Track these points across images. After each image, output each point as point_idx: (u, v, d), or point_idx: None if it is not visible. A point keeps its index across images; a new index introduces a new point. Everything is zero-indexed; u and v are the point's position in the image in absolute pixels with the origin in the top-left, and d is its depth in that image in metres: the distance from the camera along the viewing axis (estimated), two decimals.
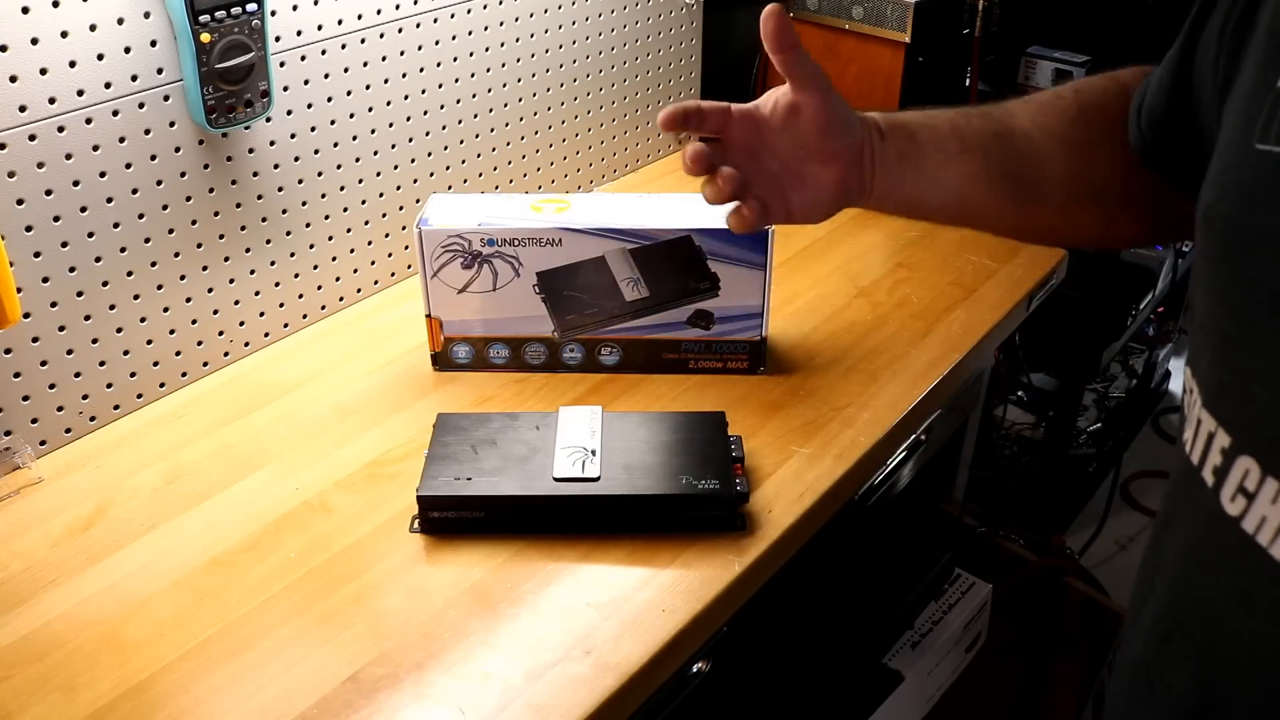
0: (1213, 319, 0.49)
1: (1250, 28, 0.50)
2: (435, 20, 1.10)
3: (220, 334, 1.02)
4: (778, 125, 0.74)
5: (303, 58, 1.00)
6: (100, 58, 0.85)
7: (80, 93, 0.85)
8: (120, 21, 0.85)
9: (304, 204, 1.05)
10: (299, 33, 0.99)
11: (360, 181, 1.09)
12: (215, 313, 1.01)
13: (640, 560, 0.80)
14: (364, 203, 1.11)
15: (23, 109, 0.82)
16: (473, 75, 1.17)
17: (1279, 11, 0.47)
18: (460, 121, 1.18)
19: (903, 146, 0.74)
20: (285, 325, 1.08)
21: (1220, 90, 0.53)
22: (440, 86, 1.14)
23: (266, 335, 1.06)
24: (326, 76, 1.02)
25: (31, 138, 0.83)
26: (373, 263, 1.14)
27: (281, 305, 1.07)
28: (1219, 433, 0.47)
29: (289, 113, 1.00)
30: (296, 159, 1.03)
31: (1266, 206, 0.45)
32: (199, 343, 1.01)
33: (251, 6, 0.89)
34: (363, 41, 1.04)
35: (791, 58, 0.71)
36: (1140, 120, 0.66)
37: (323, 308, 1.11)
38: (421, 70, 1.11)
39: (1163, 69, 0.62)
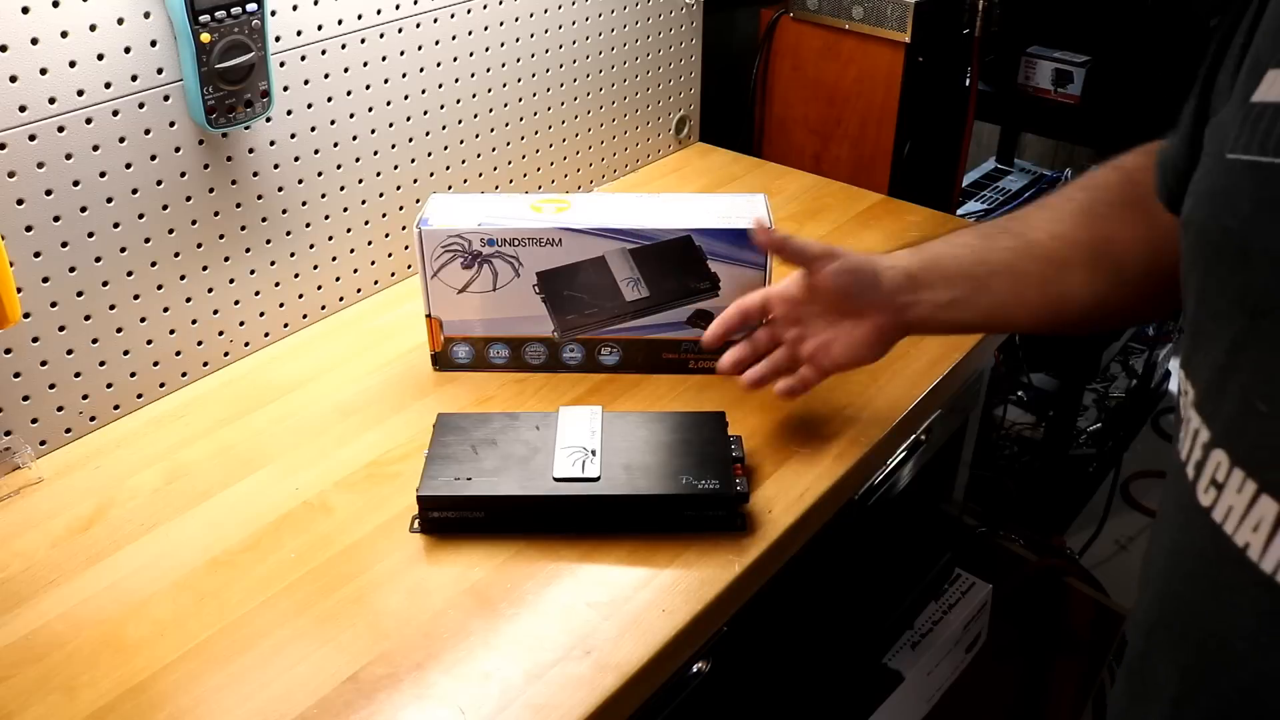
0: (1195, 321, 0.52)
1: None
2: (435, 20, 1.10)
3: (220, 334, 1.02)
4: (805, 299, 0.86)
5: (303, 58, 1.00)
6: (100, 58, 0.85)
7: (80, 93, 0.85)
8: (120, 21, 0.85)
9: (304, 204, 1.05)
10: (299, 33, 0.99)
11: (360, 181, 1.09)
12: (215, 313, 1.01)
13: (640, 560, 0.80)
14: (364, 203, 1.11)
15: (23, 109, 0.82)
16: (473, 75, 1.17)
17: (1267, 38, 0.50)
18: (460, 121, 1.18)
19: (936, 290, 0.81)
20: (285, 325, 1.08)
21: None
22: (440, 86, 1.14)
23: (266, 335, 1.06)
24: (326, 76, 1.02)
25: (31, 138, 0.83)
26: (373, 263, 1.14)
27: (281, 305, 1.07)
28: (1202, 429, 0.50)
29: (289, 113, 1.00)
30: (296, 159, 1.03)
31: (1229, 210, 0.48)
32: (199, 343, 1.01)
33: (251, 6, 0.89)
34: (363, 41, 1.04)
35: (789, 255, 0.85)
36: (1166, 174, 0.67)
37: (323, 308, 1.11)
38: (421, 70, 1.11)
39: (1183, 120, 0.63)
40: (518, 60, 1.21)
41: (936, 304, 0.81)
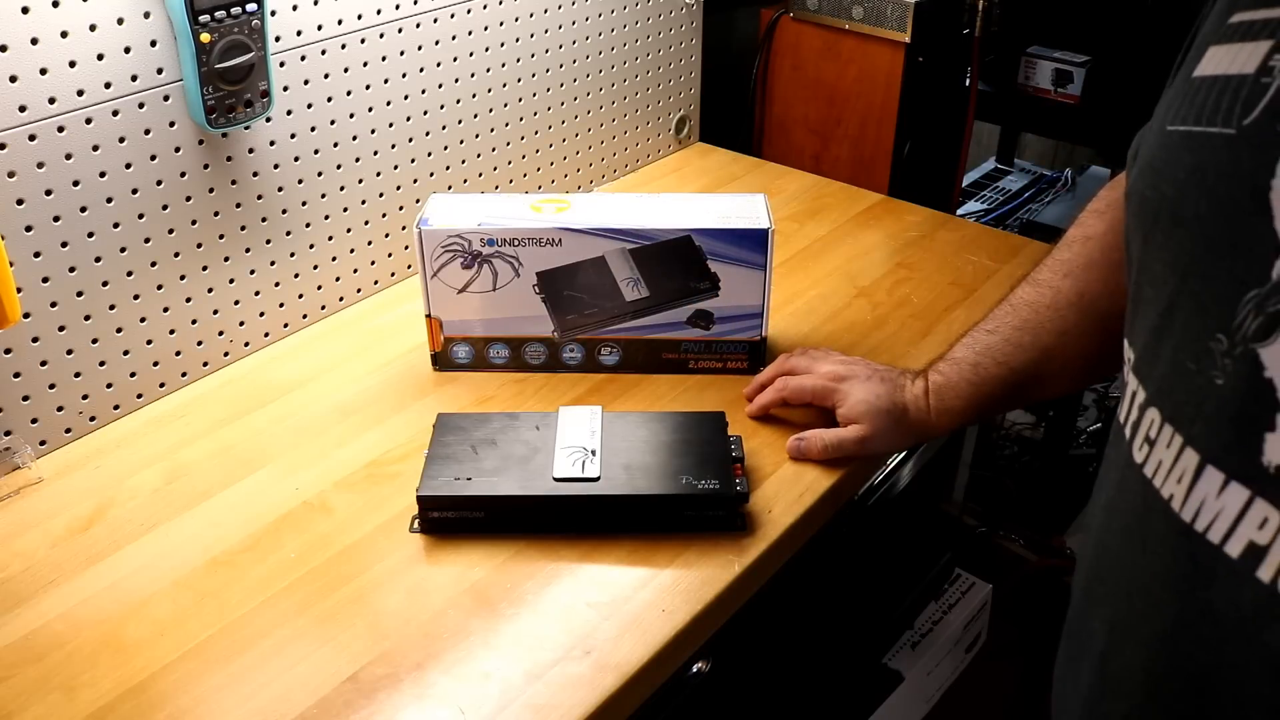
0: (1137, 288, 0.53)
1: None
2: (435, 20, 1.10)
3: (220, 334, 1.02)
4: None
5: (303, 58, 1.00)
6: (100, 58, 0.85)
7: (80, 93, 0.85)
8: (120, 21, 0.85)
9: (304, 204, 1.05)
10: (299, 33, 0.99)
11: (360, 181, 1.09)
12: (215, 313, 1.01)
13: (640, 560, 0.80)
14: (364, 203, 1.11)
15: (23, 109, 0.82)
16: (473, 75, 1.17)
17: (1212, 20, 0.52)
18: (460, 121, 1.18)
19: (949, 402, 0.85)
20: (285, 325, 1.08)
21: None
22: (440, 86, 1.14)
23: (266, 335, 1.06)
24: (326, 76, 1.02)
25: (31, 138, 0.83)
26: (373, 263, 1.14)
27: (281, 305, 1.07)
28: (1139, 390, 0.52)
29: (289, 113, 1.00)
30: (296, 159, 1.03)
31: (1167, 179, 0.50)
32: (199, 343, 1.01)
33: (251, 6, 0.89)
34: (363, 41, 1.04)
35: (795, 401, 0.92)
36: (1135, 168, 0.68)
37: (323, 308, 1.11)
38: (421, 70, 1.11)
39: (1157, 112, 0.64)
40: (518, 60, 1.21)
41: (949, 411, 0.86)
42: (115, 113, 0.87)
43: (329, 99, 1.03)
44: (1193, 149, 0.48)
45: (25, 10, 0.80)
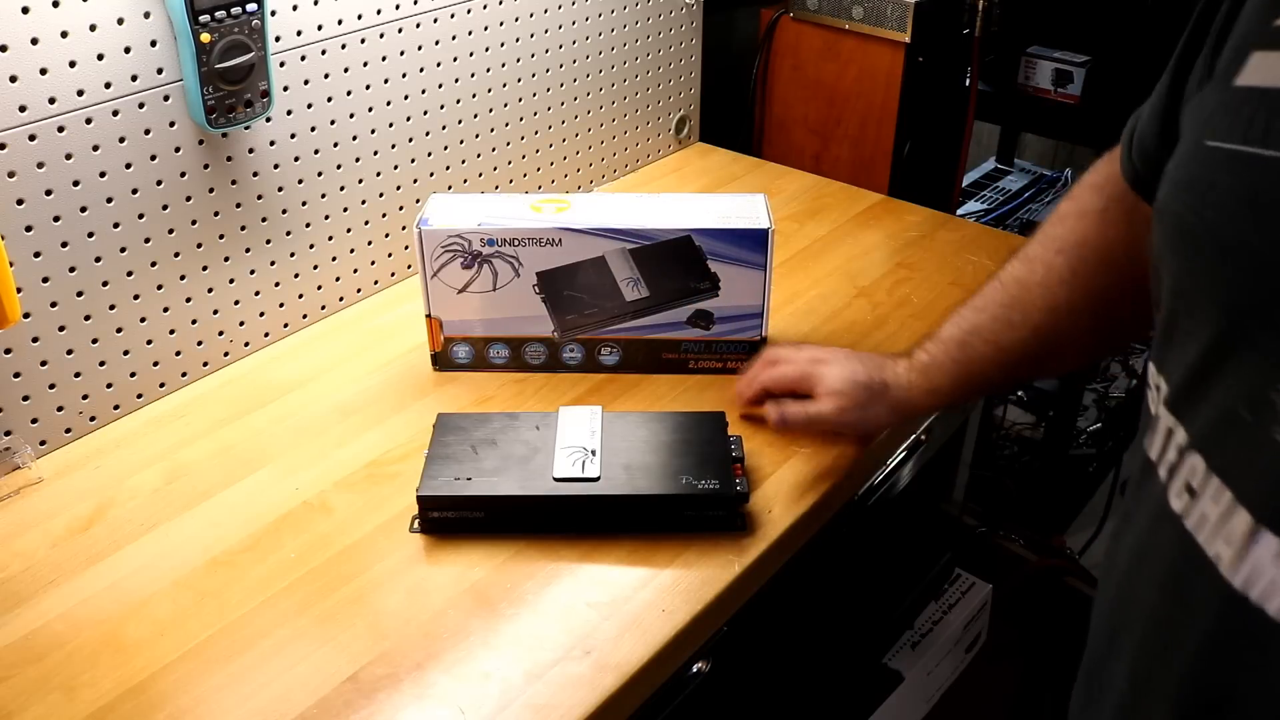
0: (1171, 315, 0.49)
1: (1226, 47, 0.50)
2: (435, 20, 1.10)
3: (220, 334, 1.02)
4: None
5: (303, 58, 1.00)
6: (100, 58, 0.85)
7: (80, 93, 0.85)
8: (120, 21, 0.85)
9: (304, 204, 1.05)
10: (299, 33, 0.99)
11: (360, 181, 1.09)
12: (215, 313, 1.01)
13: (640, 560, 0.80)
14: (364, 203, 1.11)
15: (23, 109, 0.82)
16: (473, 75, 1.17)
17: (1251, 17, 0.47)
18: (460, 121, 1.18)
19: (935, 380, 0.84)
20: (285, 325, 1.08)
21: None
22: (440, 86, 1.14)
23: (266, 335, 1.06)
24: (326, 76, 1.02)
25: (31, 138, 0.83)
26: (373, 263, 1.14)
27: (281, 305, 1.07)
28: (1177, 429, 0.48)
29: (289, 113, 1.00)
30: (296, 159, 1.03)
31: (1207, 201, 0.45)
32: (199, 343, 1.01)
33: (251, 6, 0.89)
34: (363, 41, 1.04)
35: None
36: (1132, 151, 0.64)
37: (323, 308, 1.11)
38: (421, 70, 1.11)
39: (1154, 98, 0.60)
40: (518, 60, 1.21)
41: (936, 391, 0.84)
42: (115, 113, 0.87)
43: (329, 99, 1.03)
44: (1242, 172, 0.44)
45: (25, 10, 0.80)
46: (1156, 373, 0.51)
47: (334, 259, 1.10)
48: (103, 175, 0.88)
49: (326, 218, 1.08)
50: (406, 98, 1.11)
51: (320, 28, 1.00)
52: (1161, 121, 0.58)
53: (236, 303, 1.02)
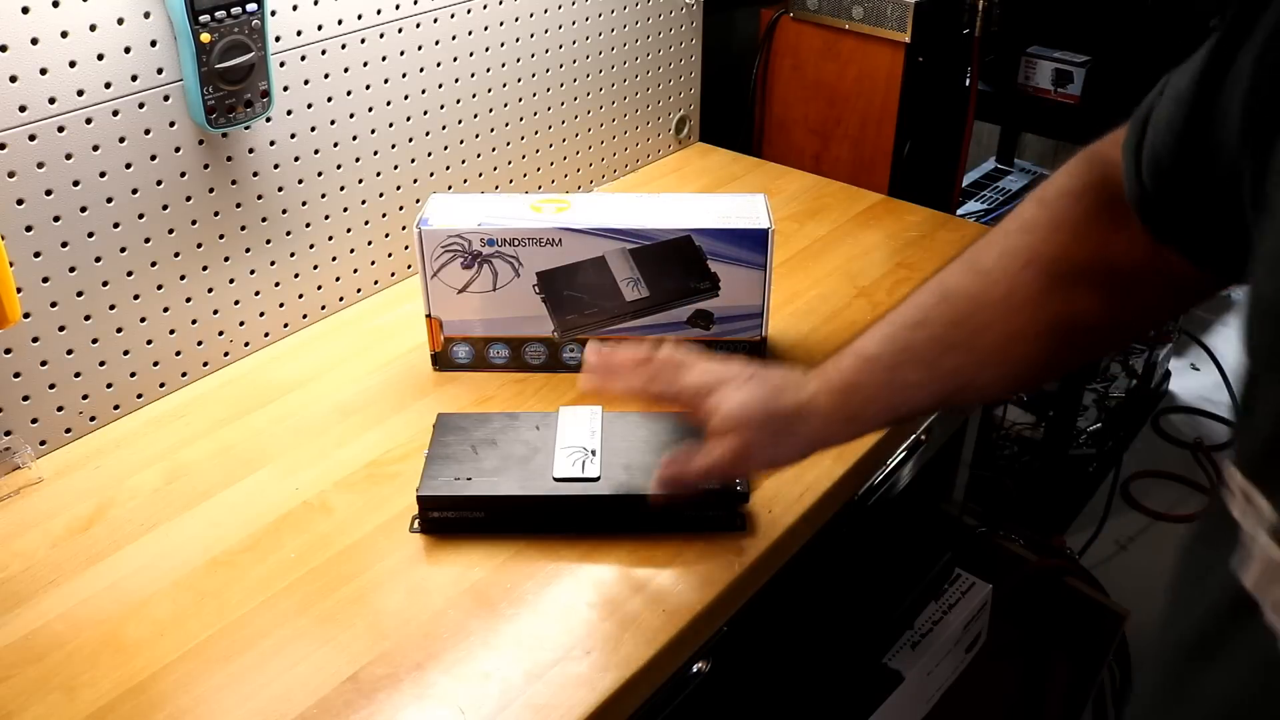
0: (1274, 423, 0.40)
1: None
2: (435, 20, 1.10)
3: (220, 334, 1.02)
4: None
5: (303, 58, 1.00)
6: (100, 58, 0.85)
7: (80, 93, 0.85)
8: (120, 21, 0.85)
9: (304, 204, 1.05)
10: (299, 33, 0.99)
11: (360, 181, 1.09)
12: (215, 313, 1.01)
13: (640, 560, 0.80)
14: (364, 203, 1.11)
15: (23, 109, 0.82)
16: (473, 75, 1.17)
17: None
18: (460, 121, 1.18)
19: (857, 408, 0.70)
20: (285, 325, 1.08)
21: (1254, 136, 0.43)
22: (440, 86, 1.14)
23: (266, 335, 1.06)
24: (326, 76, 1.02)
25: (31, 138, 0.83)
26: (373, 263, 1.14)
27: (281, 305, 1.07)
28: None
29: (289, 113, 1.00)
30: (296, 159, 1.03)
31: None
32: (199, 343, 1.01)
33: (251, 6, 0.89)
34: (363, 41, 1.04)
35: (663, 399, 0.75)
36: (1140, 168, 0.54)
37: (323, 308, 1.11)
38: (421, 70, 1.11)
39: (1172, 105, 0.51)
40: (518, 60, 1.21)
41: (870, 431, 0.72)
42: (115, 113, 0.87)
43: (329, 99, 1.03)
44: None
45: (25, 10, 0.80)
46: (1253, 487, 0.40)
47: (334, 259, 1.10)
48: (103, 175, 0.88)
49: (326, 218, 1.08)
50: (406, 98, 1.11)
51: (320, 28, 1.00)
52: (1181, 135, 0.50)
53: (236, 303, 1.02)
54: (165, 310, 0.97)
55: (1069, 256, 0.63)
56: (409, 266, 1.18)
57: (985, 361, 0.66)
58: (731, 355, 0.82)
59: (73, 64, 0.84)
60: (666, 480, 0.75)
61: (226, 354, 1.03)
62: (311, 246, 1.07)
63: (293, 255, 1.06)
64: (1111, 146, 0.60)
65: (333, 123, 1.05)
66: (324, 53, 1.01)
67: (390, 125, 1.10)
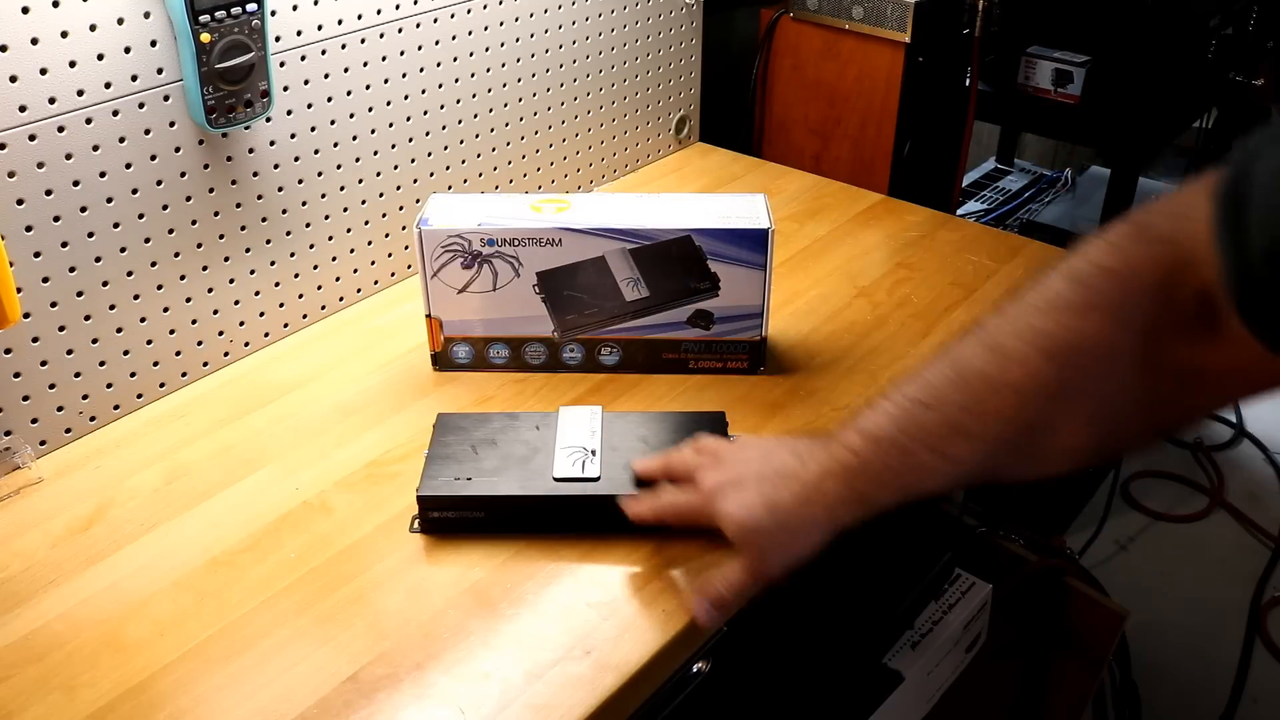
0: None
1: None
2: (435, 20, 1.10)
3: (220, 334, 1.02)
4: None
5: (303, 58, 1.00)
6: (100, 58, 0.85)
7: (80, 93, 0.85)
8: (120, 21, 0.85)
9: (304, 204, 1.05)
10: (299, 33, 0.99)
11: (360, 181, 1.09)
12: (215, 313, 1.01)
13: (640, 560, 0.80)
14: (364, 203, 1.11)
15: (23, 109, 0.82)
16: (473, 75, 1.17)
17: None
18: (460, 121, 1.18)
19: (866, 490, 0.67)
20: (285, 325, 1.08)
21: None
22: (440, 86, 1.14)
23: (266, 335, 1.06)
24: (326, 76, 1.02)
25: (31, 138, 0.83)
26: (373, 263, 1.14)
27: (281, 305, 1.07)
28: None
29: (289, 113, 1.00)
30: (296, 159, 1.03)
31: None
32: (199, 343, 1.01)
33: (251, 6, 0.89)
34: (363, 41, 1.04)
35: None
36: (1247, 252, 0.43)
37: (323, 308, 1.11)
38: (421, 70, 1.11)
39: None
40: (518, 60, 1.21)
41: (881, 512, 0.68)
42: (115, 113, 0.87)
43: (329, 99, 1.03)
44: None
45: (25, 10, 0.80)
46: None
47: (334, 259, 1.10)
48: (103, 175, 0.88)
49: (326, 218, 1.08)
50: (406, 98, 1.11)
51: (320, 28, 1.00)
52: None
53: (236, 303, 1.02)
54: (165, 310, 0.97)
55: (1097, 352, 0.55)
56: (409, 266, 1.18)
57: (997, 451, 0.60)
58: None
59: (73, 64, 0.84)
60: (705, 615, 0.74)
61: (226, 354, 1.03)
62: (311, 246, 1.07)
63: (293, 255, 1.06)
64: (1173, 222, 0.50)
65: (333, 123, 1.05)
66: (324, 53, 1.01)
67: (390, 125, 1.10)
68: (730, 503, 0.72)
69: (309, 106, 1.02)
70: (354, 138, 1.07)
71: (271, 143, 1.00)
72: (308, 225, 1.06)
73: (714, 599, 0.73)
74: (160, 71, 0.89)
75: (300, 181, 1.04)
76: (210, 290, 1.00)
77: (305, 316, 1.09)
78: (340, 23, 1.02)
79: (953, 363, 0.61)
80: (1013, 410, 0.58)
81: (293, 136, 1.01)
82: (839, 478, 0.67)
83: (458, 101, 1.16)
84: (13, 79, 0.80)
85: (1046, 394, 0.57)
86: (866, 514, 0.68)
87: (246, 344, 1.05)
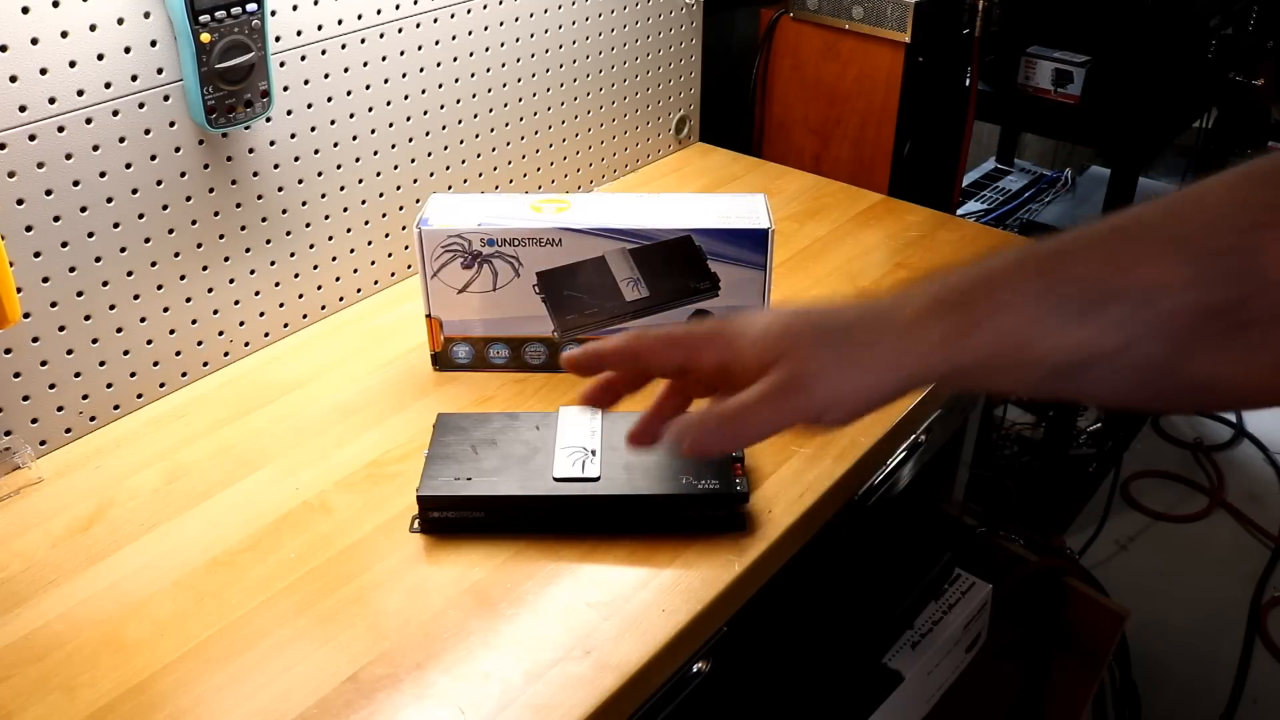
0: None
1: None
2: (435, 20, 1.10)
3: (220, 334, 1.02)
4: None
5: (303, 58, 1.00)
6: (100, 58, 0.85)
7: (80, 93, 0.85)
8: (120, 21, 0.85)
9: (304, 204, 1.05)
10: (299, 33, 0.99)
11: (360, 181, 1.09)
12: (215, 313, 1.01)
13: (640, 560, 0.80)
14: (364, 203, 1.11)
15: (23, 109, 0.82)
16: (473, 75, 1.17)
17: None
18: (460, 121, 1.18)
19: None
20: (285, 325, 1.08)
21: None
22: (440, 86, 1.14)
23: (266, 335, 1.06)
24: (326, 76, 1.02)
25: (31, 138, 0.83)
26: (373, 263, 1.14)
27: (281, 305, 1.07)
28: None
29: (289, 113, 1.00)
30: (296, 159, 1.03)
31: None
32: (199, 343, 1.01)
33: (251, 6, 0.89)
34: (363, 41, 1.04)
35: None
36: None
37: (323, 308, 1.11)
38: (421, 70, 1.11)
39: None
40: (518, 60, 1.21)
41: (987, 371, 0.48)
42: (115, 113, 0.87)
43: (329, 99, 1.03)
44: None
45: (25, 10, 0.80)
46: None
47: (334, 259, 1.10)
48: (103, 175, 0.88)
49: (326, 218, 1.08)
50: (406, 98, 1.11)
51: (320, 28, 1.00)
52: None
53: (236, 303, 1.02)
54: (165, 310, 0.97)
55: None
56: (409, 266, 1.18)
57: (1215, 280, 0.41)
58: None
59: (73, 64, 0.84)
60: (693, 444, 0.52)
61: (226, 354, 1.03)
62: (311, 246, 1.07)
63: (293, 255, 1.06)
64: None
65: (333, 123, 1.05)
66: (324, 53, 1.01)
67: (390, 125, 1.10)
68: (757, 322, 0.51)
69: (309, 106, 1.02)
70: (354, 138, 1.07)
71: (271, 143, 1.00)
72: (308, 225, 1.06)
73: (720, 422, 0.50)
74: (160, 71, 0.89)
75: (300, 181, 1.04)
76: (210, 290, 1.00)
77: (305, 316, 1.09)
78: (340, 23, 1.02)
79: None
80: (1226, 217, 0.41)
81: (293, 136, 1.01)
82: (948, 312, 0.48)
83: (458, 101, 1.16)
84: (13, 79, 0.80)
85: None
86: (960, 377, 0.48)
87: (246, 344, 1.05)
